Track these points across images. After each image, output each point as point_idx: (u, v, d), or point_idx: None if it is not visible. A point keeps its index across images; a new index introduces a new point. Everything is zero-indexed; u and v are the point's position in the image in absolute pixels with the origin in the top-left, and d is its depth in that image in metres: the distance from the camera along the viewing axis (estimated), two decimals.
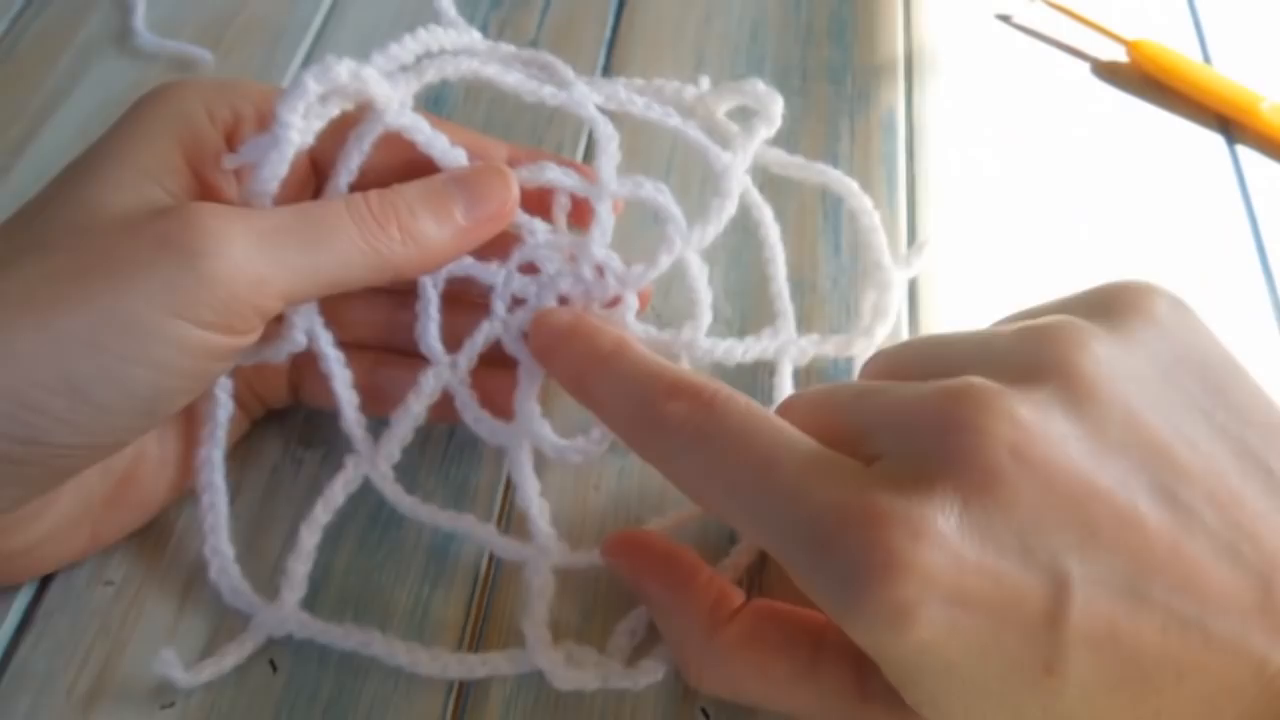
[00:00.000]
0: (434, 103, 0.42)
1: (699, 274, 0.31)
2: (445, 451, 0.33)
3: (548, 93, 0.31)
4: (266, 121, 0.28)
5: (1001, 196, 0.40)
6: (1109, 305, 0.25)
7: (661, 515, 0.31)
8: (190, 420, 0.30)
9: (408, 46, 0.30)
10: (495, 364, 0.31)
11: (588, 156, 0.38)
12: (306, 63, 0.44)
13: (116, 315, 0.24)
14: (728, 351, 0.32)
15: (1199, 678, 0.22)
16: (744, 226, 0.34)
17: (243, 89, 0.29)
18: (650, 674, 0.28)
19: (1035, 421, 0.22)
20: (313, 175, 0.30)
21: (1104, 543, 0.21)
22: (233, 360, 0.28)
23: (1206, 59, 0.44)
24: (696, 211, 0.31)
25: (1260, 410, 0.24)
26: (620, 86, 0.33)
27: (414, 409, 0.31)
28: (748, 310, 0.36)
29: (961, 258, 0.38)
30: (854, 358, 0.35)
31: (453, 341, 0.31)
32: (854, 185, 0.35)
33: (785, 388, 0.33)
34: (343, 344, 0.30)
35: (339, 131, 0.29)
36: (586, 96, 0.32)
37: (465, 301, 0.32)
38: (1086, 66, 0.45)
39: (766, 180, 0.35)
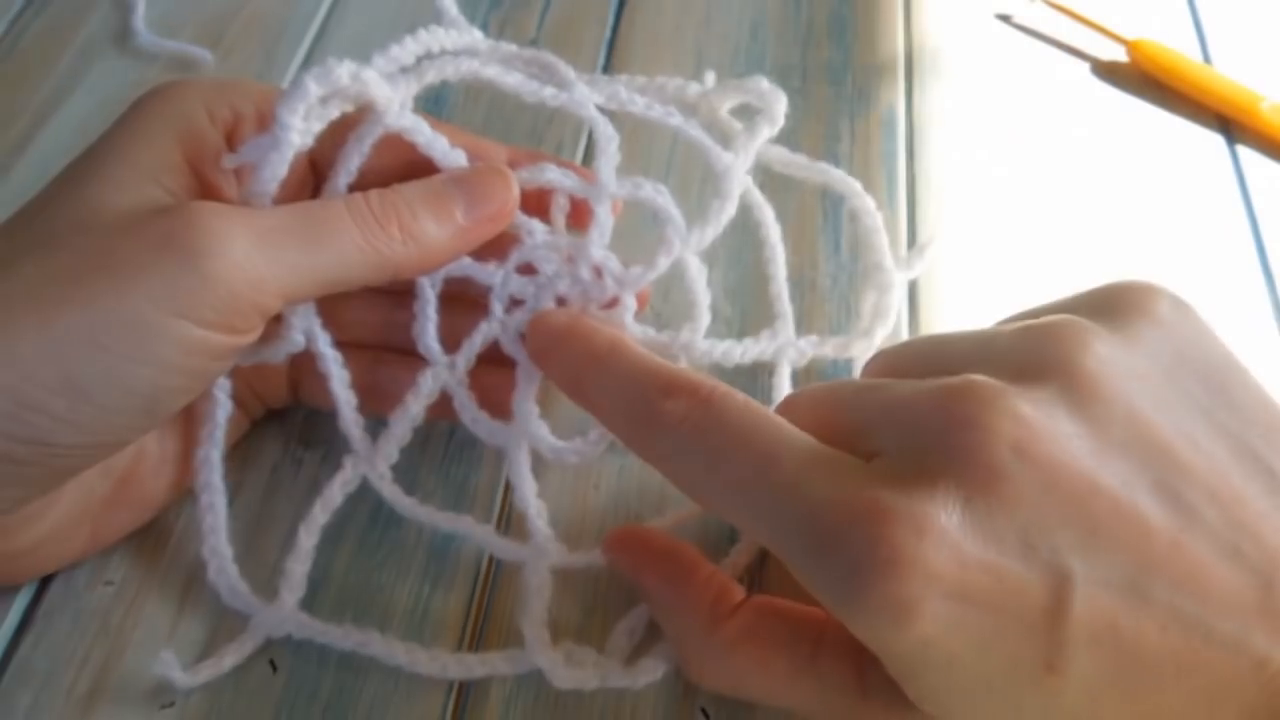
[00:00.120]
0: (434, 103, 0.42)
1: (698, 275, 0.31)
2: (445, 451, 0.33)
3: (548, 93, 0.31)
4: (267, 121, 0.28)
5: (1001, 196, 0.40)
6: (1111, 305, 0.25)
7: (661, 514, 0.31)
8: (190, 420, 0.30)
9: (408, 48, 0.30)
10: (493, 364, 0.31)
11: (588, 157, 0.38)
12: (307, 62, 0.44)
13: (118, 315, 0.24)
14: (726, 353, 0.32)
15: (1199, 676, 0.22)
16: (744, 226, 0.34)
17: (243, 89, 0.29)
18: (650, 673, 0.28)
19: (1037, 419, 0.22)
20: (311, 176, 0.30)
21: (1105, 541, 0.21)
22: (233, 360, 0.28)
23: (1206, 59, 0.44)
24: (696, 212, 0.31)
25: (1262, 410, 0.24)
26: (621, 86, 0.33)
27: (412, 409, 0.31)
28: (747, 309, 0.36)
29: (962, 258, 0.38)
30: (853, 359, 0.35)
31: (451, 342, 0.31)
32: (857, 185, 0.35)
33: (784, 389, 0.33)
34: (341, 344, 0.30)
35: (338, 132, 0.29)
36: (587, 97, 0.32)
37: (463, 302, 0.32)
38: (1086, 66, 0.45)
39: (766, 179, 0.35)
